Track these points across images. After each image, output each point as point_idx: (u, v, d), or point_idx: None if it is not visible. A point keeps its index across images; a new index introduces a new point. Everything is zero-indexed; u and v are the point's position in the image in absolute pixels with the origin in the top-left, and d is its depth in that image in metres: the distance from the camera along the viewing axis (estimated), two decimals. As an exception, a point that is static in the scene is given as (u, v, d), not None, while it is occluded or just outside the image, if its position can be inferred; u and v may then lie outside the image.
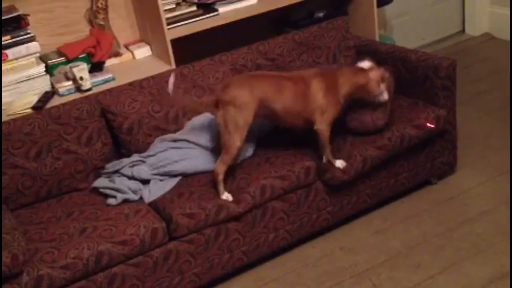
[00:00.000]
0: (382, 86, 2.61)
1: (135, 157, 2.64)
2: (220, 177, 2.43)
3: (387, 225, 2.77)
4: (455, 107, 2.89)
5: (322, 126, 2.53)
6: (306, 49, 3.11)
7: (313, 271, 2.56)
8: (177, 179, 2.57)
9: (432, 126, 2.75)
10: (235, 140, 2.41)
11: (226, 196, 2.42)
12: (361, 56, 2.79)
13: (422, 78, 2.87)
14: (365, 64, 2.66)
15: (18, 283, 2.07)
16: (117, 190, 2.48)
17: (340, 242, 2.70)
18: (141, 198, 2.50)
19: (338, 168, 2.56)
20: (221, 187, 2.43)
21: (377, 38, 3.46)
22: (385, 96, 2.64)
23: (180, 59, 3.00)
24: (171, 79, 2.43)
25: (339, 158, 2.58)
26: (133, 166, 2.58)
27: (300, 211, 2.61)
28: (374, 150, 2.64)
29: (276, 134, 2.78)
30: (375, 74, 2.59)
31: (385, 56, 3.07)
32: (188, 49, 3.10)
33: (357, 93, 2.61)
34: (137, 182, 2.54)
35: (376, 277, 2.48)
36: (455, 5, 4.62)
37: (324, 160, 2.58)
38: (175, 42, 2.98)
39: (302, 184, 2.56)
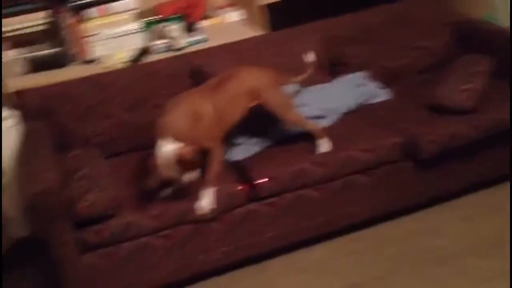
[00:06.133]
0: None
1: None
2: None
3: (476, 212, 2.63)
4: None
5: None
6: (401, 22, 3.02)
7: (393, 250, 2.49)
8: (267, 144, 2.55)
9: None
10: None
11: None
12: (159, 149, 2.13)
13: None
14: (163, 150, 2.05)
15: (110, 225, 2.16)
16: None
17: (424, 224, 2.61)
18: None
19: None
20: None
21: (481, 17, 3.28)
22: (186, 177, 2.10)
23: (272, 25, 2.99)
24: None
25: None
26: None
27: (384, 188, 2.54)
28: (467, 128, 2.51)
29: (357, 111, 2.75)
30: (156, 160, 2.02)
31: (484, 36, 2.93)
32: (280, 15, 3.07)
33: None
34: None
35: (460, 263, 2.37)
36: None
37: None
38: (267, 7, 2.95)
39: (389, 159, 2.49)
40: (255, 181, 2.32)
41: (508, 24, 3.02)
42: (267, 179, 2.33)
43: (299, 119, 2.50)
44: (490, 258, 2.39)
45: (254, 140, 2.56)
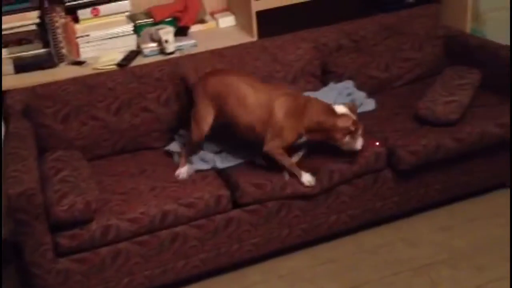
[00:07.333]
0: (348, 138, 2.39)
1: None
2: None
3: (453, 223, 2.69)
4: (544, 110, 2.74)
5: (270, 149, 2.40)
6: (392, 34, 3.04)
7: (371, 259, 2.53)
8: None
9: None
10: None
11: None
12: (339, 102, 2.56)
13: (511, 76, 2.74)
14: (340, 108, 2.43)
15: (88, 229, 2.18)
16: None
17: (402, 233, 2.65)
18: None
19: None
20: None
21: (468, 30, 3.31)
22: (354, 146, 2.44)
23: (263, 32, 3.01)
24: None
25: (312, 171, 2.44)
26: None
27: (365, 197, 2.58)
28: (450, 141, 2.55)
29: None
30: (344, 123, 2.37)
31: (474, 49, 2.96)
32: (271, 23, 3.09)
33: (319, 133, 2.42)
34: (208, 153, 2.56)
35: (436, 273, 2.41)
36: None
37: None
38: (259, 14, 2.98)
39: (369, 170, 2.52)
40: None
41: (496, 38, 3.05)
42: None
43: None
44: (464, 270, 2.42)
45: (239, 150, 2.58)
